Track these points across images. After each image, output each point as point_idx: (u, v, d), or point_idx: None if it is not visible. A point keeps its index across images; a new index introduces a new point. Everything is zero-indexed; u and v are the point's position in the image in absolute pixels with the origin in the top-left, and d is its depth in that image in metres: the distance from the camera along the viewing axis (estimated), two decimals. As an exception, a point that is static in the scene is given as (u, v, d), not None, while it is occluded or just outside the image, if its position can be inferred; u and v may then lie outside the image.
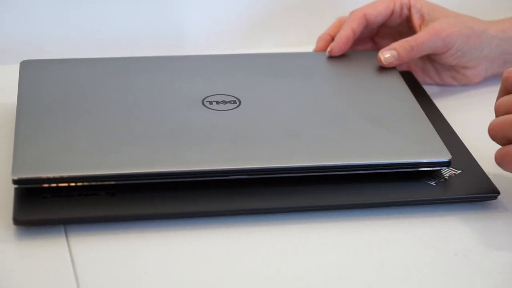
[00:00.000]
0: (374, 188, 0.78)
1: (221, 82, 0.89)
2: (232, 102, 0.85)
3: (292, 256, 0.72)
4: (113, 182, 0.75)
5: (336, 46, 0.95)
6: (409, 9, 0.97)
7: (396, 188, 0.78)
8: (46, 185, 0.74)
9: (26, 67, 0.90)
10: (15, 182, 0.73)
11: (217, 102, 0.85)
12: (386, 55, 0.93)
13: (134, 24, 1.09)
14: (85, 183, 0.75)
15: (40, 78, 0.88)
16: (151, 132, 0.80)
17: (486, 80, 1.00)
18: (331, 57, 0.96)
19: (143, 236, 0.73)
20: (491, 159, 0.79)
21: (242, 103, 0.85)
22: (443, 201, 0.78)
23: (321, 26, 1.00)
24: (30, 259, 0.71)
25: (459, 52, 0.96)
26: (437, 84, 1.00)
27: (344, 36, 0.95)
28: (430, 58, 0.99)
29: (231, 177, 0.76)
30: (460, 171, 0.81)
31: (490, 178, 0.80)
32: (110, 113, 0.82)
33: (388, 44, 0.97)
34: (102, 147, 0.77)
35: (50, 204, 0.74)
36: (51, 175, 0.74)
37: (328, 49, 0.96)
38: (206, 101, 0.85)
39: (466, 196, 0.78)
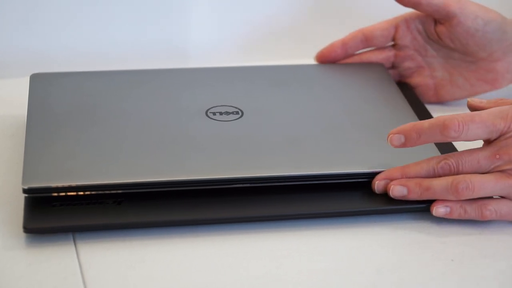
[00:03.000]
0: (375, 195, 0.78)
1: (224, 93, 0.89)
2: (234, 113, 0.86)
3: (293, 262, 0.73)
4: (120, 191, 0.75)
5: (320, 52, 0.96)
6: (419, 6, 0.93)
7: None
8: (55, 194, 0.74)
9: (36, 79, 0.90)
10: (25, 191, 0.74)
11: (220, 113, 0.85)
12: None
13: (140, 38, 1.09)
14: (93, 192, 0.75)
15: (49, 90, 0.89)
16: (157, 142, 0.80)
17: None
18: (330, 69, 0.96)
19: (149, 243, 0.74)
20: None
21: (244, 114, 0.86)
22: (440, 208, 0.78)
23: (321, 39, 1.00)
24: (39, 266, 0.71)
25: (478, 19, 0.92)
26: (469, 96, 0.96)
27: (332, 44, 0.96)
28: (455, 60, 0.96)
29: (234, 186, 0.77)
30: None
31: (485, 185, 0.80)
32: (117, 124, 0.83)
33: (408, 66, 0.97)
34: (109, 157, 0.78)
35: (59, 212, 0.74)
36: (60, 184, 0.74)
37: (316, 54, 0.97)
38: (210, 112, 0.86)
39: (462, 203, 0.78)
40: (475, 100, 0.81)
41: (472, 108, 0.81)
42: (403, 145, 0.77)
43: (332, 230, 0.77)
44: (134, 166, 0.77)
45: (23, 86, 0.91)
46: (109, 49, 1.08)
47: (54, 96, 0.88)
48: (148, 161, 0.78)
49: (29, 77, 0.91)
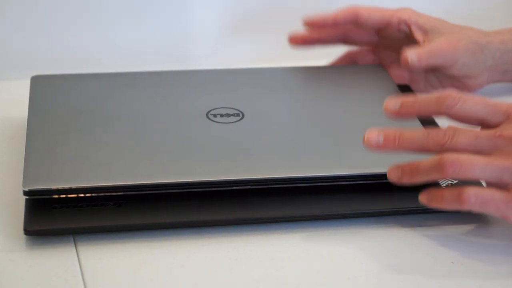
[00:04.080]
0: (375, 197, 0.78)
1: (225, 95, 0.89)
2: (235, 115, 0.86)
3: (294, 264, 0.73)
4: (120, 193, 0.75)
5: (310, 18, 0.97)
6: (409, 26, 0.97)
7: (395, 197, 0.78)
8: (55, 196, 0.74)
9: (36, 82, 0.90)
10: (25, 193, 0.74)
11: (221, 115, 0.86)
12: (412, 55, 0.92)
13: (141, 40, 1.09)
14: (93, 194, 0.75)
15: (49, 93, 0.89)
16: (157, 144, 0.80)
17: (485, 94, 1.00)
18: (331, 70, 0.97)
19: (149, 245, 0.74)
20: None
21: (245, 116, 0.86)
22: (441, 210, 0.76)
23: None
24: (40, 268, 0.71)
25: (464, 66, 0.96)
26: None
27: (322, 16, 0.96)
28: (433, 69, 0.98)
29: (234, 188, 0.77)
30: (456, 181, 0.80)
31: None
32: (117, 126, 0.83)
33: (389, 55, 0.98)
34: (109, 159, 0.78)
35: (60, 215, 0.74)
36: (60, 186, 0.74)
37: (305, 18, 0.97)
38: (211, 114, 0.86)
39: (462, 205, 0.78)
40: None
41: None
42: (399, 113, 0.75)
43: (332, 232, 0.77)
44: (134, 168, 0.77)
45: (23, 88, 0.91)
46: (109, 51, 1.09)
47: (54, 98, 0.88)
48: (148, 163, 0.78)
49: (29, 79, 0.91)
